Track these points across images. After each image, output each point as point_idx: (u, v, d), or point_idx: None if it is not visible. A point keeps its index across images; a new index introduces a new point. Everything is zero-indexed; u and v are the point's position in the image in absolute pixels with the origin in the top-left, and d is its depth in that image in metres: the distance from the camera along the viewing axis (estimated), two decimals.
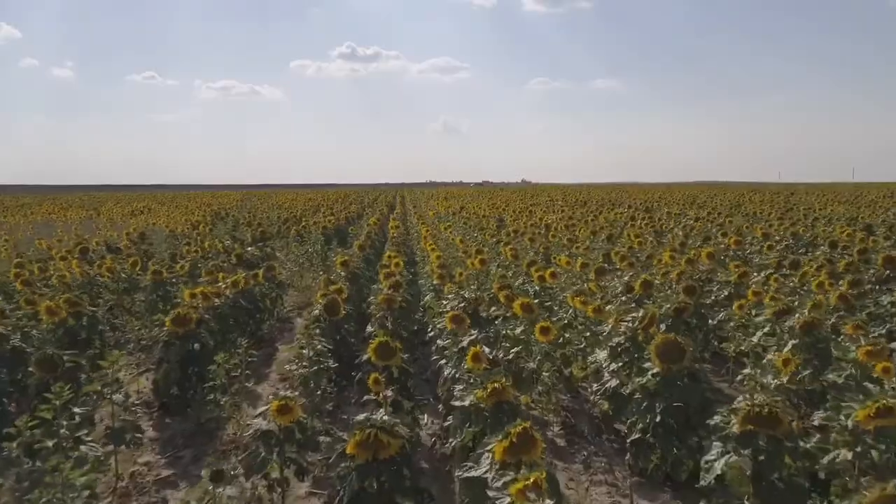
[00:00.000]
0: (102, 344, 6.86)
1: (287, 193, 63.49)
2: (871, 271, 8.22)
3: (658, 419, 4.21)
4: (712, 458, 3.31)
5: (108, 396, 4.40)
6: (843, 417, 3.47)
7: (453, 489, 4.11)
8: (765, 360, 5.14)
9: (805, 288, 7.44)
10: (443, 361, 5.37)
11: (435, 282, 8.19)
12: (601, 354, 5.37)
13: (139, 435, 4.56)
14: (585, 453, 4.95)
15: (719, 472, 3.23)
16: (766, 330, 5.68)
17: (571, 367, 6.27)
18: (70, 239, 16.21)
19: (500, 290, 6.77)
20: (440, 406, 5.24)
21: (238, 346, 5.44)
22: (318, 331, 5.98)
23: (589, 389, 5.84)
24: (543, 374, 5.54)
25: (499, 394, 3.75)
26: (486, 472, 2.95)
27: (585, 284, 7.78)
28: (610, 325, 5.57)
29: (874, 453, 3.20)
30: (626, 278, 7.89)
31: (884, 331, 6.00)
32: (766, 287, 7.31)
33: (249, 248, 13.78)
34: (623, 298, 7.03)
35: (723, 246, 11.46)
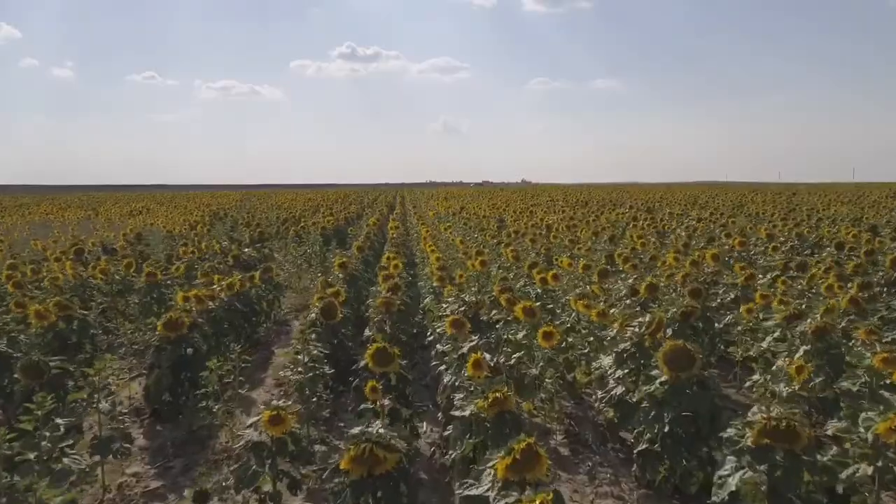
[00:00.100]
0: (94, 348, 6.68)
1: (287, 193, 63.34)
2: (880, 274, 8.06)
3: (667, 429, 4.03)
4: (726, 472, 3.14)
5: (95, 405, 4.23)
6: (862, 430, 3.31)
7: (453, 502, 3.94)
8: (775, 367, 4.97)
9: (813, 291, 7.28)
10: (442, 367, 5.20)
11: (435, 284, 8.03)
12: (606, 360, 5.19)
13: (127, 445, 4.39)
14: (590, 463, 4.77)
15: (733, 488, 3.06)
16: (776, 335, 5.51)
17: (574, 372, 6.11)
18: (66, 240, 16.05)
19: (502, 293, 6.61)
20: (440, 414, 5.07)
21: (232, 351, 5.27)
22: (313, 335, 5.82)
23: (593, 396, 5.67)
24: (546, 380, 5.37)
25: (500, 404, 3.59)
26: (487, 490, 2.78)
27: (588, 287, 7.61)
28: (615, 330, 5.40)
29: None
30: (630, 281, 7.72)
31: None
32: (773, 290, 7.15)
33: (247, 250, 13.63)
34: (627, 302, 6.86)
35: (727, 247, 11.28)
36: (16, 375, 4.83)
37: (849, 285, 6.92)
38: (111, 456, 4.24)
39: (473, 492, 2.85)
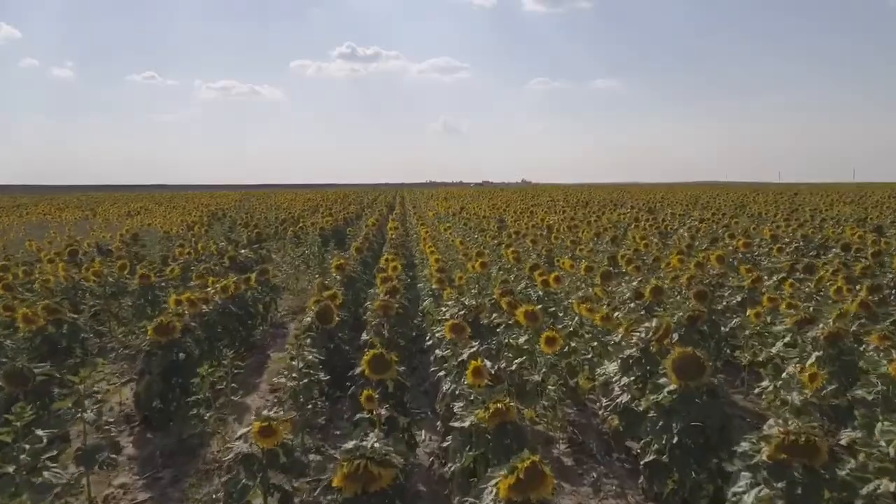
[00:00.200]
0: (84, 353, 6.51)
1: (286, 194, 63.11)
2: (889, 276, 7.89)
3: (675, 440, 3.86)
4: (740, 489, 2.97)
5: (80, 415, 4.05)
6: (883, 443, 3.15)
7: None
8: (785, 374, 4.80)
9: (821, 293, 7.11)
10: (442, 374, 5.03)
11: (434, 286, 7.86)
12: (611, 367, 5.02)
13: (114, 455, 4.22)
14: (595, 474, 4.60)
15: None
16: (786, 340, 5.34)
17: (577, 377, 5.94)
18: (62, 240, 15.87)
19: (503, 297, 6.44)
20: (439, 423, 4.91)
21: (225, 356, 5.10)
22: (309, 340, 5.64)
23: (597, 403, 5.50)
24: (549, 386, 5.20)
25: (502, 414, 3.42)
26: None
27: (591, 289, 7.44)
28: (620, 335, 5.23)
29: None
30: (634, 283, 7.55)
31: None
32: (780, 292, 6.97)
33: (244, 251, 13.44)
34: (632, 305, 6.69)
35: (731, 248, 11.10)
36: None
37: (857, 288, 6.75)
38: (97, 467, 4.07)
39: None
